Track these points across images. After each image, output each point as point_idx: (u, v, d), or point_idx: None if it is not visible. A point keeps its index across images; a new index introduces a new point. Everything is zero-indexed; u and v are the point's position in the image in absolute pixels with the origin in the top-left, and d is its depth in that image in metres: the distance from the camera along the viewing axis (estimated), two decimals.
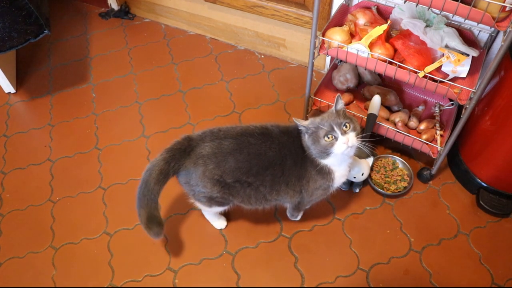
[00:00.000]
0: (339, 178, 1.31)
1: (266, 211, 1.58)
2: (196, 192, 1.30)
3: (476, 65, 1.45)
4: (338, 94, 1.21)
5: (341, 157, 1.23)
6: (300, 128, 1.23)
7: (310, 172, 1.28)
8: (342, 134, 1.17)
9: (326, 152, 1.20)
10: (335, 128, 1.16)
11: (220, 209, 1.41)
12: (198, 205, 1.40)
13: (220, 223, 1.55)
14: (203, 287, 1.43)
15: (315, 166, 1.26)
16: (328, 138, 1.17)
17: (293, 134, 1.27)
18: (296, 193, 1.32)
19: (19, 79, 2.12)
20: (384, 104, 1.72)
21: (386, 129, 1.59)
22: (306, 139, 1.23)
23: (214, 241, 1.53)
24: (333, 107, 1.22)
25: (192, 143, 1.25)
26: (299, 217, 1.56)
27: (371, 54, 1.43)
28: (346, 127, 1.18)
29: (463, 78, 1.43)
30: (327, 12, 1.81)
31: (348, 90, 1.80)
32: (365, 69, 1.69)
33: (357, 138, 1.19)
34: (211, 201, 1.32)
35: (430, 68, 1.36)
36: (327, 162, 1.25)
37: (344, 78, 1.77)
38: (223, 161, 1.23)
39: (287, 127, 1.30)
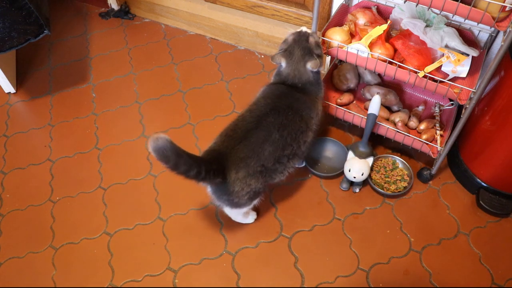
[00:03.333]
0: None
1: (266, 211, 1.59)
2: (240, 196, 1.30)
3: (476, 65, 1.45)
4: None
5: None
6: (318, 54, 1.42)
7: (317, 101, 1.47)
8: None
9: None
10: None
11: (258, 199, 1.41)
12: (235, 211, 1.44)
13: (251, 217, 1.55)
14: (203, 287, 1.43)
15: (321, 96, 1.50)
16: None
17: (287, 93, 1.41)
18: (313, 133, 1.45)
19: (19, 79, 2.12)
20: (384, 104, 1.72)
21: (386, 129, 1.59)
22: (316, 64, 1.41)
23: (214, 241, 1.53)
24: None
25: (223, 156, 1.25)
26: (304, 161, 1.68)
27: (371, 54, 1.43)
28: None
29: (463, 78, 1.43)
30: (327, 12, 1.81)
31: (348, 90, 1.80)
32: (365, 69, 1.69)
33: None
34: (254, 196, 1.34)
35: (430, 68, 1.36)
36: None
37: (344, 78, 1.77)
38: (261, 152, 1.28)
39: (280, 90, 1.42)
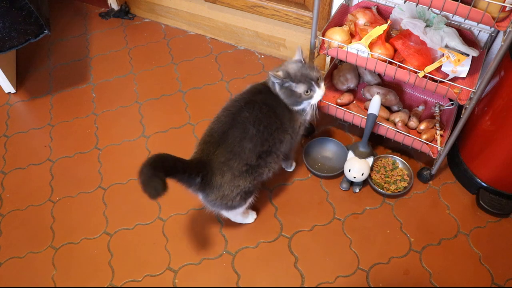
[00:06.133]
0: (309, 113, 1.44)
1: (266, 211, 1.59)
2: (231, 198, 1.30)
3: (476, 65, 1.45)
4: (299, 45, 1.36)
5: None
6: (274, 81, 1.34)
7: (294, 113, 1.40)
8: (318, 87, 1.35)
9: (301, 102, 1.36)
10: (313, 84, 1.33)
11: (251, 198, 1.41)
12: (232, 213, 1.44)
13: (251, 217, 1.55)
14: (203, 287, 1.43)
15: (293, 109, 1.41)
16: (308, 92, 1.34)
17: (266, 89, 1.37)
18: (291, 137, 1.41)
19: (19, 79, 2.12)
20: (384, 104, 1.72)
21: (386, 129, 1.59)
22: (278, 90, 1.35)
23: (214, 241, 1.53)
24: (300, 58, 1.35)
25: (204, 164, 1.26)
26: (293, 167, 1.69)
27: (371, 54, 1.43)
28: (318, 79, 1.35)
29: (463, 78, 1.43)
30: (327, 12, 1.81)
31: (348, 90, 1.80)
32: (365, 69, 1.69)
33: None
34: (246, 196, 1.34)
35: (430, 68, 1.36)
36: (299, 107, 1.40)
37: (344, 78, 1.77)
38: (241, 151, 1.26)
39: (256, 89, 1.39)
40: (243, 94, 1.38)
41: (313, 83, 1.32)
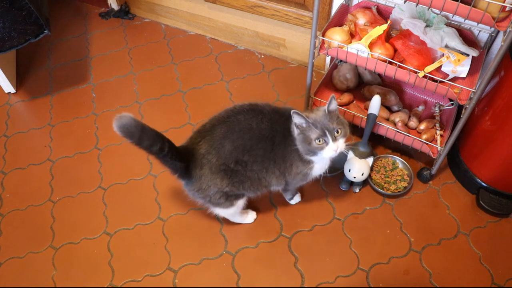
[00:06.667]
0: (318, 169, 1.35)
1: (266, 211, 1.59)
2: (211, 194, 1.30)
3: (476, 65, 1.45)
4: (333, 94, 1.22)
5: (326, 158, 1.28)
6: (295, 122, 1.23)
7: (294, 156, 1.30)
8: (333, 140, 1.20)
9: (313, 152, 1.23)
10: (327, 134, 1.20)
11: (241, 201, 1.39)
12: (220, 211, 1.41)
13: (250, 216, 1.55)
14: (203, 287, 1.43)
15: (298, 154, 1.29)
16: (319, 141, 1.20)
17: (284, 115, 1.28)
18: (281, 175, 1.33)
19: (19, 79, 2.12)
20: (384, 104, 1.72)
21: (386, 129, 1.59)
22: (296, 134, 1.25)
23: (214, 241, 1.53)
24: (326, 107, 1.22)
25: (189, 152, 1.27)
26: (294, 201, 1.60)
27: (371, 54, 1.43)
28: (338, 132, 1.22)
29: (463, 78, 1.43)
30: (327, 12, 1.81)
31: (348, 90, 1.80)
32: (365, 69, 1.69)
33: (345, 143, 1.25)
34: (229, 197, 1.33)
35: (430, 68, 1.36)
36: (310, 158, 1.29)
37: (344, 78, 1.77)
38: (221, 148, 1.25)
39: (278, 107, 1.32)
40: (262, 103, 1.31)
41: (327, 133, 1.19)
